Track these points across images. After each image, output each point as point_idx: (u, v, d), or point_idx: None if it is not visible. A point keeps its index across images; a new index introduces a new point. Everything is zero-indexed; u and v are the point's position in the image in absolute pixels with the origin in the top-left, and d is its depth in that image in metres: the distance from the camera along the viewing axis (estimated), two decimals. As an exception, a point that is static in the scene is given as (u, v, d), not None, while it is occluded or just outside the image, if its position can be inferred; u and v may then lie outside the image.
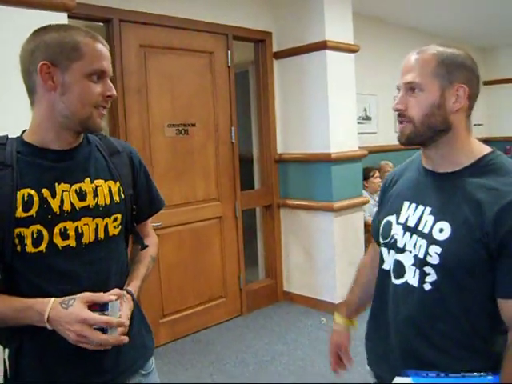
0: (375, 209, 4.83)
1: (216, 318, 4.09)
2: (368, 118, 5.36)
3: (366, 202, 4.52)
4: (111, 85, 1.27)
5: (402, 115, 1.25)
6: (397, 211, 1.34)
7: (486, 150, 1.27)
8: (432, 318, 1.23)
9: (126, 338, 1.21)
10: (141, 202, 1.49)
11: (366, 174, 4.77)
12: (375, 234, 1.50)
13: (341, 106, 4.16)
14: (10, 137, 1.29)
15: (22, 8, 2.36)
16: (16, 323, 1.20)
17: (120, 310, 1.24)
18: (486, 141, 7.34)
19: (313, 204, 4.25)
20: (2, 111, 2.25)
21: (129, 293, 1.35)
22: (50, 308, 1.16)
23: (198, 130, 3.90)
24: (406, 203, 1.33)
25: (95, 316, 1.16)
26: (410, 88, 1.24)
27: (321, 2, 4.00)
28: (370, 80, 5.26)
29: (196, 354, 3.56)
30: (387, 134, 5.69)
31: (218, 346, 3.69)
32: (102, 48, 1.26)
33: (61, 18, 2.56)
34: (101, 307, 1.19)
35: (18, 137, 1.30)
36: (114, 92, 1.28)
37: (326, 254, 4.23)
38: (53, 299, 1.18)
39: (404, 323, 1.28)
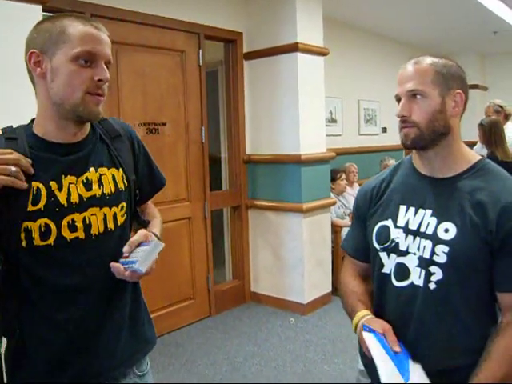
0: (341, 210, 4.89)
1: (185, 319, 4.04)
2: (334, 121, 5.44)
3: (334, 204, 4.58)
4: (105, 69, 1.22)
5: (405, 121, 1.31)
6: (392, 216, 1.37)
7: (476, 155, 1.37)
8: (436, 315, 1.28)
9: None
10: (144, 184, 1.46)
11: (333, 176, 4.83)
12: (354, 244, 1.52)
13: (310, 108, 4.21)
14: (14, 127, 1.25)
15: (-3, -1, 2.28)
16: None
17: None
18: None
19: (282, 205, 4.27)
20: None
21: (155, 235, 1.35)
22: None
23: (169, 130, 3.85)
24: (403, 207, 1.36)
25: None
26: (412, 95, 1.30)
27: (293, 5, 4.03)
28: (335, 83, 5.34)
29: (166, 356, 3.50)
30: (351, 136, 5.80)
31: (188, 347, 3.65)
32: (93, 31, 1.20)
33: (35, 11, 2.49)
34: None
35: (25, 127, 1.27)
36: (106, 76, 1.21)
37: (295, 254, 4.26)
38: None
39: (410, 323, 1.30)
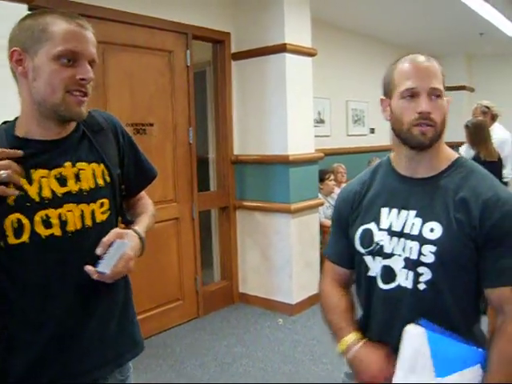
0: (329, 210, 4.91)
1: (173, 320, 4.02)
2: (322, 121, 5.45)
3: (322, 204, 4.59)
4: (88, 68, 1.20)
5: (428, 118, 1.27)
6: (375, 219, 1.36)
7: (454, 154, 1.38)
8: (428, 315, 1.27)
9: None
10: (132, 176, 1.44)
11: (321, 177, 4.84)
12: (337, 251, 1.50)
13: (299, 109, 4.21)
14: None
15: (-18, -3, 2.25)
16: None
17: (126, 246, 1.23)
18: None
19: (270, 206, 4.27)
20: None
21: (135, 232, 1.33)
22: None
23: (156, 130, 3.83)
24: (385, 209, 1.36)
25: None
26: (434, 94, 1.28)
27: (281, 5, 4.03)
28: (323, 84, 5.35)
29: (154, 357, 3.48)
30: (339, 136, 5.81)
31: (176, 349, 3.64)
32: (76, 29, 1.18)
33: (21, 10, 2.47)
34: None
35: (7, 126, 1.26)
36: (89, 75, 1.20)
37: (283, 255, 4.26)
38: None
39: (401, 325, 1.29)
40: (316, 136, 4.58)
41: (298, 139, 4.21)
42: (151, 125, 3.78)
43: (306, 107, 4.31)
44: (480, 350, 1.24)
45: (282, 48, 4.05)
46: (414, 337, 1.22)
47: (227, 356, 3.51)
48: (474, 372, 1.20)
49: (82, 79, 1.18)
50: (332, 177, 5.03)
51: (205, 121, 4.60)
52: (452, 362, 1.20)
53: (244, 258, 4.57)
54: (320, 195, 4.78)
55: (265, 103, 4.24)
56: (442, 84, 1.31)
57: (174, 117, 3.96)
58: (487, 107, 4.92)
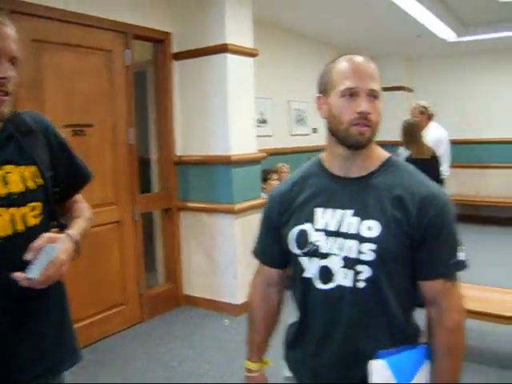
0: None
1: (116, 326, 3.94)
2: (264, 122, 5.48)
3: (265, 204, 4.60)
4: (7, 66, 1.16)
5: (366, 118, 1.28)
6: (309, 219, 1.35)
7: (385, 153, 1.40)
8: (369, 312, 1.29)
9: None
10: (64, 180, 1.39)
11: (265, 176, 4.87)
12: (268, 252, 1.49)
13: (240, 109, 4.22)
14: None
15: None
16: None
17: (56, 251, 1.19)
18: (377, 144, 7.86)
19: (214, 206, 4.26)
20: None
21: (68, 236, 1.28)
22: None
23: (95, 131, 3.73)
24: (319, 210, 1.35)
25: None
26: (372, 95, 1.29)
27: (222, 6, 4.02)
28: (265, 84, 5.37)
29: (98, 364, 3.39)
30: (283, 136, 5.86)
31: (120, 354, 3.56)
32: None
33: None
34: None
35: None
36: (9, 73, 1.16)
37: (227, 255, 4.25)
38: None
39: (342, 324, 1.31)
40: (259, 136, 4.60)
41: (241, 139, 4.21)
42: (90, 126, 3.68)
43: (247, 107, 4.32)
44: (423, 346, 1.31)
45: (223, 48, 4.05)
46: (379, 369, 1.26)
47: (173, 359, 3.47)
48: (425, 368, 1.29)
49: (2, 78, 1.14)
50: (275, 176, 5.06)
51: (146, 121, 4.53)
52: (409, 369, 1.28)
53: (188, 259, 4.53)
54: (263, 195, 4.80)
55: (207, 103, 4.22)
56: (379, 86, 1.32)
57: (114, 117, 3.87)
58: (424, 107, 5.10)
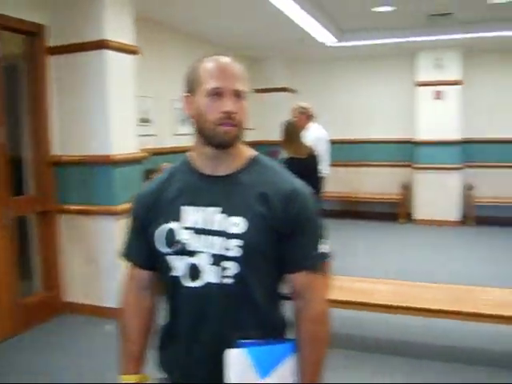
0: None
1: (-14, 339, 3.65)
2: (147, 121, 5.36)
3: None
4: None
5: (232, 118, 1.29)
6: (177, 217, 1.35)
7: (251, 151, 1.43)
8: (237, 308, 1.31)
9: None
10: None
11: (149, 176, 4.76)
12: (139, 253, 1.46)
13: (121, 108, 4.09)
14: None
15: None
16: None
17: None
18: (258, 144, 7.99)
19: (94, 208, 4.10)
20: None
21: None
22: None
23: (-42, 129, 3.43)
24: (187, 208, 1.35)
25: None
26: (238, 95, 1.31)
27: (100, 0, 3.87)
28: (149, 82, 5.27)
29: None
30: (167, 136, 5.78)
31: (-9, 370, 3.31)
32: None
33: None
34: None
35: None
36: None
37: (109, 258, 4.10)
38: None
39: (211, 321, 1.32)
40: (141, 135, 4.50)
41: (121, 139, 4.10)
42: (-49, 123, 3.38)
43: (128, 106, 4.21)
44: (290, 339, 1.35)
45: (101, 44, 3.90)
46: (236, 357, 1.26)
47: (53, 371, 3.27)
48: (290, 360, 1.31)
49: None
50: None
51: (19, 119, 4.24)
52: (271, 362, 1.29)
53: (68, 264, 4.32)
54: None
55: (86, 101, 4.05)
56: (245, 86, 1.34)
57: (-20, 114, 3.58)
58: (304, 108, 5.30)
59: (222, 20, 5.73)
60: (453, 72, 7.67)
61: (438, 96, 7.72)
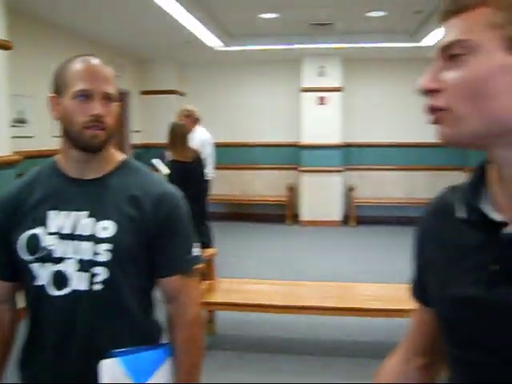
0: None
1: None
2: (23, 121, 5.03)
3: None
4: None
5: (100, 121, 1.26)
6: (42, 223, 1.29)
7: (121, 155, 1.43)
8: (108, 314, 1.28)
9: None
10: None
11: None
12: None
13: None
14: None
15: None
16: None
17: None
18: (145, 146, 7.75)
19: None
20: None
21: None
22: None
23: None
24: (53, 212, 1.30)
25: None
26: (107, 98, 1.28)
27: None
28: (26, 81, 4.96)
29: None
30: (45, 138, 5.47)
31: None
32: None
33: None
34: None
35: None
36: None
37: None
38: None
39: (80, 329, 1.26)
40: (16, 137, 4.22)
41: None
42: None
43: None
44: (164, 344, 1.34)
45: (-33, 38, 3.60)
46: (109, 367, 1.22)
47: None
48: (166, 366, 1.30)
49: None
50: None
51: None
52: (146, 369, 1.26)
53: None
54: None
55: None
56: (115, 89, 1.32)
57: None
58: (189, 111, 5.29)
59: (104, 18, 5.55)
60: (335, 79, 8.07)
61: (322, 102, 8.07)
